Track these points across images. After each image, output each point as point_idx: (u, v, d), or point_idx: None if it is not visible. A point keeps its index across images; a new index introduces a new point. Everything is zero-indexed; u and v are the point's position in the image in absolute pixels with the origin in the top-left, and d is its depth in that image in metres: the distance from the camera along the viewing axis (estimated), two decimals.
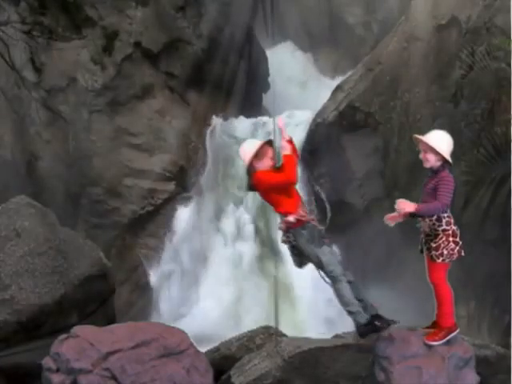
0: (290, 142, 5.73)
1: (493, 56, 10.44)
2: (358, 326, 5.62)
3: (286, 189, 5.66)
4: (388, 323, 5.64)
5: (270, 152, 5.67)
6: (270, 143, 5.71)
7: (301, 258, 5.91)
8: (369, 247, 12.13)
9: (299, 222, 5.67)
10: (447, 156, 5.50)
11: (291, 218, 5.64)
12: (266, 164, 5.65)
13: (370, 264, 12.12)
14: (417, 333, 5.71)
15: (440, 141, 5.55)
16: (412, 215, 5.57)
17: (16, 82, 12.91)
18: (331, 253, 5.81)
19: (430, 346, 5.60)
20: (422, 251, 5.67)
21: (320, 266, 5.77)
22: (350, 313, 5.64)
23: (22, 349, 8.99)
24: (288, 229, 5.72)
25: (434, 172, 5.55)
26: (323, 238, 5.76)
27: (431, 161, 5.53)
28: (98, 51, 11.41)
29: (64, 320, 9.32)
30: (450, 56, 11.36)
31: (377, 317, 5.67)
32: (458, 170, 10.89)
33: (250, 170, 5.67)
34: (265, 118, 14.39)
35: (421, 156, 5.60)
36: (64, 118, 13.41)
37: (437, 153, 5.49)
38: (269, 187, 5.62)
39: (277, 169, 5.65)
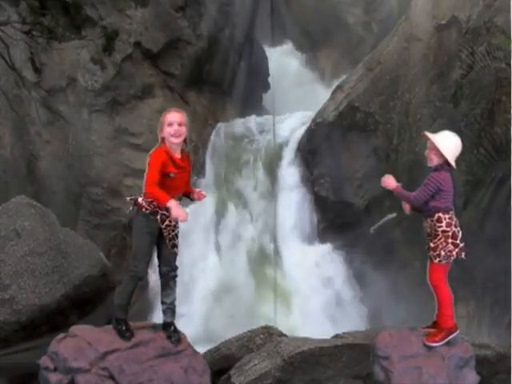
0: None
1: (493, 56, 10.45)
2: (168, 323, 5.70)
3: None
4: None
5: None
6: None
7: None
8: (369, 247, 12.12)
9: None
10: (451, 159, 5.49)
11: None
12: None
13: (370, 264, 12.12)
14: (417, 333, 5.71)
15: (447, 142, 5.54)
16: (413, 208, 5.64)
17: (16, 82, 12.93)
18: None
19: (430, 347, 5.60)
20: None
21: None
22: (171, 310, 5.69)
23: (21, 348, 9.00)
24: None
25: (434, 170, 5.56)
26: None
27: (434, 161, 5.53)
28: (98, 51, 11.41)
29: (64, 320, 9.32)
30: (449, 56, 11.35)
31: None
32: (457, 169, 10.93)
33: None
34: (264, 118, 14.44)
35: (426, 153, 5.60)
36: (64, 117, 13.43)
37: (441, 154, 5.48)
38: None
39: None
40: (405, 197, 5.58)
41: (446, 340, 5.60)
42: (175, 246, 5.56)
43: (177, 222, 5.51)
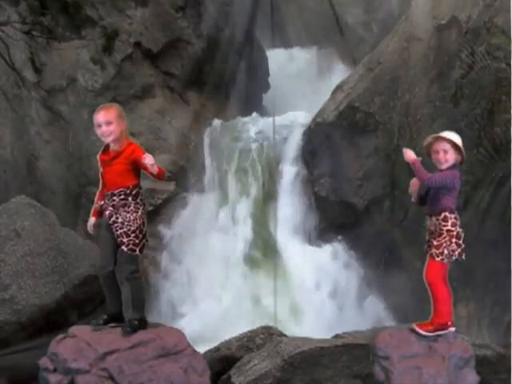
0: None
1: (493, 56, 10.44)
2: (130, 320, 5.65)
3: None
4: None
5: None
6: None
7: None
8: (369, 247, 12.13)
9: None
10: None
11: None
12: None
13: (369, 264, 12.12)
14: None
15: (458, 139, 5.61)
16: (421, 203, 5.70)
17: (16, 82, 12.92)
18: None
19: (429, 346, 5.60)
20: (427, 251, 5.69)
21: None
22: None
23: (21, 348, 9.00)
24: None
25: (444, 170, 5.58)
26: None
27: (450, 161, 5.55)
28: (97, 51, 11.42)
29: (64, 320, 9.33)
30: (449, 56, 11.35)
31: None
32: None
33: None
34: (264, 118, 14.44)
35: (439, 157, 5.57)
36: (64, 118, 13.43)
37: (454, 152, 5.52)
38: None
39: None
40: (421, 173, 5.58)
41: (436, 334, 5.58)
42: (123, 243, 5.54)
43: (125, 220, 5.54)
